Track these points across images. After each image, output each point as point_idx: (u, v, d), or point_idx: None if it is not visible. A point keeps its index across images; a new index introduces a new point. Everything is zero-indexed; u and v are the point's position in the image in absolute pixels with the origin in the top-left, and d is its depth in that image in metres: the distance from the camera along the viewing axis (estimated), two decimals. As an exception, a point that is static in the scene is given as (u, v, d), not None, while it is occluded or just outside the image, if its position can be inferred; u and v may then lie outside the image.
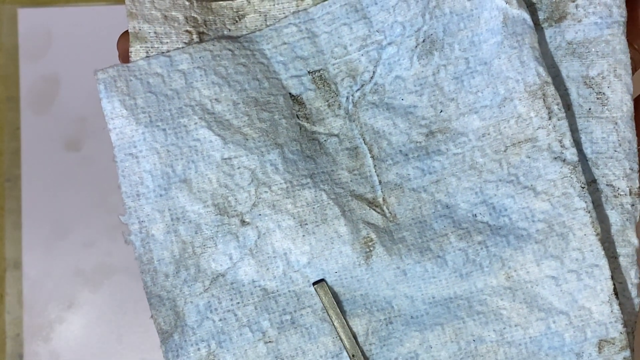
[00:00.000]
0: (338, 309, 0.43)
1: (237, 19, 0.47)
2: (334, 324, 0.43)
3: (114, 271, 0.82)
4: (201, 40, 0.46)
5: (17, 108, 0.83)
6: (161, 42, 0.45)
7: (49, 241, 0.82)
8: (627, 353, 0.42)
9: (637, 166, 0.44)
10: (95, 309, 0.82)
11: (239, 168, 0.44)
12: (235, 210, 0.44)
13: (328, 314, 0.43)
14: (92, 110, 0.79)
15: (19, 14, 0.85)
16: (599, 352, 0.42)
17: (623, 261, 0.44)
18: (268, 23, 0.47)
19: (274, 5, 0.47)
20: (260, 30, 0.47)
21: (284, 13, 0.47)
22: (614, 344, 0.42)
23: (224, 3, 0.47)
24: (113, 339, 0.81)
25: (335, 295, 0.44)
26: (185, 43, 0.46)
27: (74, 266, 0.82)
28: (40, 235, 0.83)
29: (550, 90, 0.43)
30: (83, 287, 0.82)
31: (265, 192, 0.44)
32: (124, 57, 0.46)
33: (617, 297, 0.42)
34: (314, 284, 0.43)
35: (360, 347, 0.43)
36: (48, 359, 0.82)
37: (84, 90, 0.81)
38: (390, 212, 0.45)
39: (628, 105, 0.44)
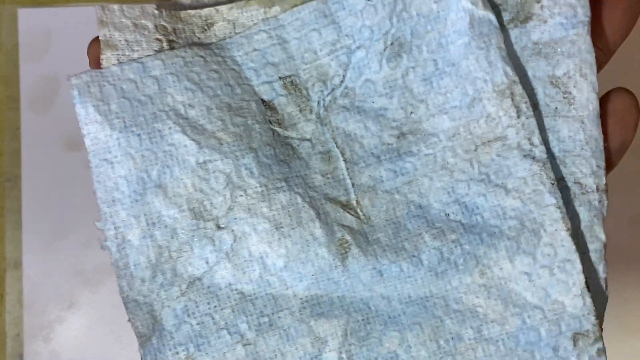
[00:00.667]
0: None
1: (205, 27, 0.47)
2: None
3: (114, 271, 0.81)
4: (172, 48, 0.46)
5: (17, 108, 0.83)
6: (132, 50, 0.45)
7: (49, 241, 0.82)
8: (601, 344, 0.42)
9: (604, 163, 0.45)
10: (95, 309, 0.82)
11: (214, 172, 0.44)
12: (210, 215, 0.44)
13: None
14: None
15: (19, 14, 0.84)
16: (574, 346, 0.42)
17: (592, 256, 0.44)
18: (237, 31, 0.47)
19: (242, 13, 0.48)
20: (230, 37, 0.47)
21: (252, 21, 0.47)
22: (587, 336, 0.42)
23: (192, 12, 0.47)
24: (113, 339, 0.81)
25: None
26: (155, 50, 0.46)
27: (74, 266, 0.82)
28: (40, 235, 0.82)
29: (518, 89, 0.43)
30: (83, 287, 0.82)
31: (241, 195, 0.44)
32: (95, 64, 0.46)
33: (589, 290, 0.42)
34: None
35: None
36: (48, 359, 0.81)
37: None
38: (364, 214, 0.46)
39: (594, 104, 0.45)
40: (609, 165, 0.47)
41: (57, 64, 0.83)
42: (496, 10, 0.45)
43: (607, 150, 0.46)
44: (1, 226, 0.82)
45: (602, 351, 0.42)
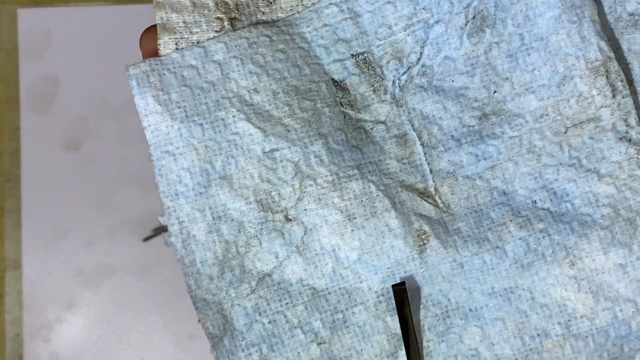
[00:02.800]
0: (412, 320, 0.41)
1: (271, 0, 0.45)
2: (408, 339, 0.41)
3: (114, 271, 0.83)
4: (233, 27, 0.44)
5: (17, 108, 0.84)
6: (191, 32, 0.43)
7: (49, 241, 0.84)
8: None
9: None
10: (95, 309, 0.83)
11: (281, 161, 0.42)
12: (279, 206, 0.42)
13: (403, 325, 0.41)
14: (92, 110, 0.81)
15: (19, 14, 0.85)
16: None
17: None
18: (304, 3, 0.45)
19: None
20: (297, 12, 0.45)
21: None
22: None
23: None
24: (113, 339, 0.83)
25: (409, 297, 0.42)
26: (216, 31, 0.43)
27: (74, 266, 0.84)
28: (40, 235, 0.84)
29: (614, 66, 0.41)
30: (83, 287, 0.83)
31: (310, 185, 0.42)
32: (150, 56, 0.44)
33: None
34: (393, 286, 0.41)
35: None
36: (48, 359, 0.83)
37: (84, 90, 0.82)
38: (443, 202, 0.43)
39: None
40: None
41: (57, 64, 0.84)
42: None
43: None
44: (1, 226, 0.83)
45: None
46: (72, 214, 0.83)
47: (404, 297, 0.41)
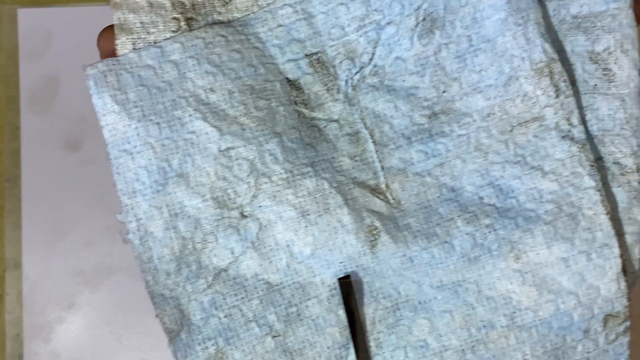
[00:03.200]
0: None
1: (227, 1, 0.45)
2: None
3: (114, 271, 0.82)
4: (190, 27, 0.44)
5: (17, 108, 0.83)
6: (148, 33, 0.44)
7: (49, 241, 0.82)
8: (628, 323, 0.42)
9: None
10: (95, 309, 0.82)
11: (237, 159, 0.43)
12: (234, 203, 0.43)
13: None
14: (92, 110, 0.80)
15: (19, 14, 0.84)
16: (604, 327, 0.42)
17: (628, 238, 0.43)
18: (259, 4, 0.45)
19: None
20: (252, 12, 0.45)
21: None
22: (618, 317, 0.42)
23: None
24: (113, 339, 0.82)
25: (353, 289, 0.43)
26: (173, 31, 0.44)
27: (74, 266, 0.82)
28: (40, 235, 0.83)
29: (557, 67, 0.42)
30: (83, 287, 0.82)
31: (265, 182, 0.43)
32: (106, 56, 0.44)
33: (625, 274, 0.42)
34: (339, 279, 0.42)
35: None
36: (48, 359, 0.82)
37: (84, 90, 0.82)
38: (394, 199, 0.44)
39: (635, 82, 0.43)
40: None
41: (57, 64, 0.83)
42: None
43: None
44: (1, 226, 0.82)
45: (628, 328, 0.42)
46: (72, 214, 0.82)
47: (349, 289, 0.42)
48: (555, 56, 0.42)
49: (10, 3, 0.84)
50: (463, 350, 0.42)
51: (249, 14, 0.45)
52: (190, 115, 0.43)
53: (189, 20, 0.44)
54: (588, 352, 0.42)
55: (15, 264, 0.82)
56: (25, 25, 0.84)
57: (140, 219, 0.43)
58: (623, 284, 0.41)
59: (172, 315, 0.43)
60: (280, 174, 0.43)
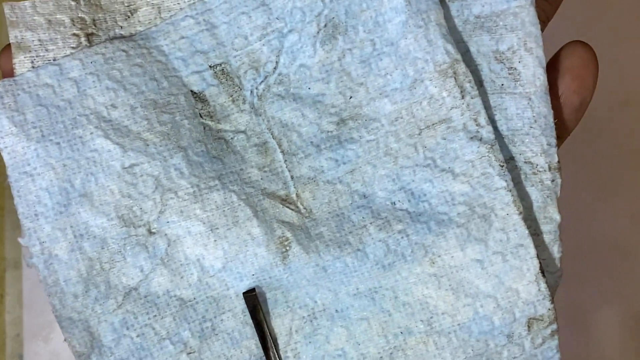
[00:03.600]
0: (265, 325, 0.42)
1: (129, 14, 0.44)
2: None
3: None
4: (90, 43, 0.43)
5: None
6: (46, 50, 0.43)
7: None
8: (555, 326, 0.41)
9: (555, 141, 0.42)
10: None
11: (141, 176, 0.42)
12: (141, 220, 0.42)
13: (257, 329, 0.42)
14: None
15: None
16: (528, 330, 0.41)
17: (546, 238, 0.43)
18: (162, 16, 0.45)
19: None
20: (155, 24, 0.44)
21: (178, 4, 0.45)
22: (542, 320, 0.41)
23: None
24: None
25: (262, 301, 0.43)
26: (72, 48, 0.43)
27: None
28: None
29: (461, 68, 0.41)
30: None
31: (172, 198, 0.42)
32: (9, 75, 0.43)
33: (544, 275, 0.41)
34: (244, 293, 0.42)
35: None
36: (48, 359, 0.82)
37: None
38: (305, 208, 0.44)
39: (541, 80, 0.42)
40: (566, 130, 0.45)
41: None
42: None
43: (561, 119, 0.44)
44: (1, 226, 0.82)
45: (556, 332, 0.41)
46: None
47: (255, 302, 0.41)
48: (459, 57, 0.41)
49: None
50: (381, 357, 0.42)
51: (150, 27, 0.45)
52: (91, 133, 0.42)
53: (89, 35, 0.44)
54: (515, 358, 0.41)
55: (15, 264, 0.82)
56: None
57: (43, 242, 0.42)
58: (543, 286, 0.41)
59: (81, 338, 0.42)
60: (187, 188, 0.42)
